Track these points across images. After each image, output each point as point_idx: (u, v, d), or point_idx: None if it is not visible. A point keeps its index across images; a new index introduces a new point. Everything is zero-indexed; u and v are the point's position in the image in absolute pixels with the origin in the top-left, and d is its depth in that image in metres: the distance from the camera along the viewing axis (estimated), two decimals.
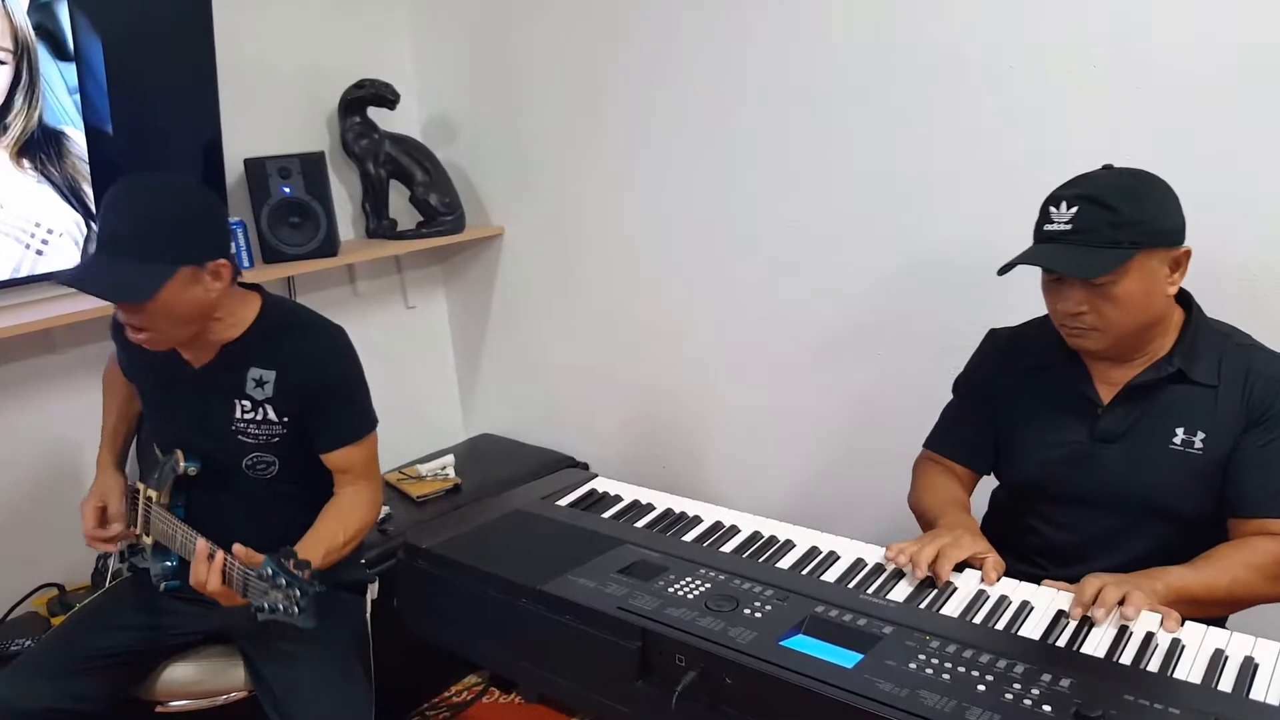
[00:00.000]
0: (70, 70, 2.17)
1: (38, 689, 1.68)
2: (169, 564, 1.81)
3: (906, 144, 2.12)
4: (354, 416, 1.81)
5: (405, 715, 2.55)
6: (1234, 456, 1.43)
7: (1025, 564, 1.56)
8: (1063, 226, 1.40)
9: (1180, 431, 1.46)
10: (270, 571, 1.46)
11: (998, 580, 1.40)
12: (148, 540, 1.85)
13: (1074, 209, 1.39)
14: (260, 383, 1.74)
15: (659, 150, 2.54)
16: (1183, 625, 1.26)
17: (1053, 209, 1.42)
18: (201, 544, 1.58)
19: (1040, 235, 1.45)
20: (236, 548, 1.54)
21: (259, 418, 1.75)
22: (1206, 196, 1.77)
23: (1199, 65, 1.74)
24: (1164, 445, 1.47)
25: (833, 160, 2.24)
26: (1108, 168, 1.46)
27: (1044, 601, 1.34)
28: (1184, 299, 1.51)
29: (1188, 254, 1.43)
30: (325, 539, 1.70)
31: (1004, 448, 1.64)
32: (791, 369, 2.44)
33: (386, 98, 2.74)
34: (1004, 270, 1.46)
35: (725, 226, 2.47)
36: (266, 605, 1.46)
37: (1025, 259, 1.44)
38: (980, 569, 1.43)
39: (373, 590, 1.96)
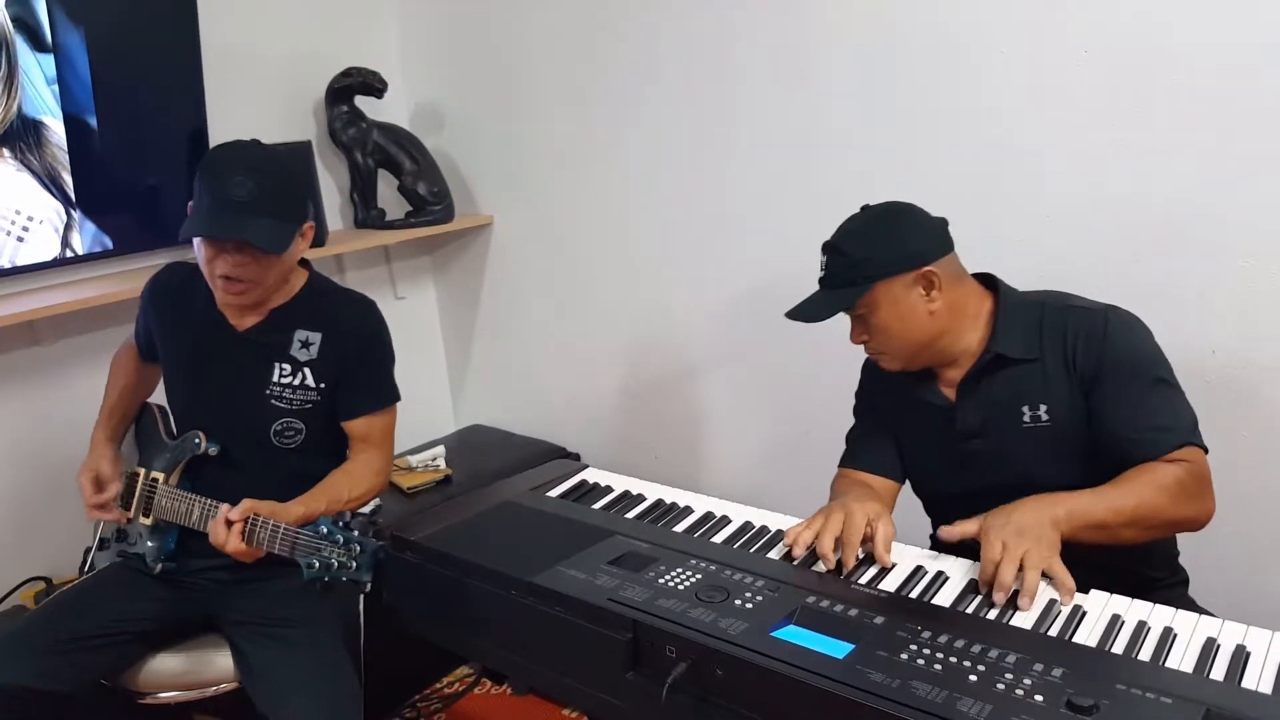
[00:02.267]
0: (48, 61, 2.18)
1: (15, 667, 1.67)
2: (167, 545, 1.84)
3: (898, 134, 2.11)
4: (383, 385, 1.90)
5: (397, 707, 2.55)
6: (1097, 423, 1.47)
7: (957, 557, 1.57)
8: (821, 273, 1.56)
9: (1025, 409, 1.52)
10: (326, 530, 1.54)
11: (888, 554, 1.41)
12: (145, 521, 1.85)
13: (825, 258, 1.56)
14: (306, 344, 1.83)
15: (649, 139, 2.52)
16: (1079, 594, 1.28)
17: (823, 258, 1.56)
18: (223, 507, 1.65)
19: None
20: (246, 505, 1.63)
21: (296, 382, 1.82)
22: (1198, 179, 1.77)
23: (1193, 51, 1.74)
24: (1017, 425, 1.52)
25: (823, 149, 2.23)
26: (865, 208, 1.57)
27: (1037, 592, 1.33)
28: (991, 284, 1.57)
29: (932, 273, 1.50)
30: (331, 489, 1.78)
31: (902, 460, 1.70)
32: (784, 359, 2.44)
33: (374, 86, 2.72)
34: (791, 316, 1.59)
35: (716, 215, 2.46)
36: (318, 562, 1.52)
37: (798, 313, 1.58)
38: (958, 549, 1.44)
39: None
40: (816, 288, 1.58)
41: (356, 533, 1.54)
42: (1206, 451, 1.45)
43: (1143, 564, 1.53)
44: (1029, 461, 1.52)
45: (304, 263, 1.90)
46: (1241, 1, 1.68)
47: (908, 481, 1.72)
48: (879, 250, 1.51)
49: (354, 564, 1.51)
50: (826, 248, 1.56)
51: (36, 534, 2.33)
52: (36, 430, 2.37)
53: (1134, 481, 1.40)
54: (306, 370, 1.83)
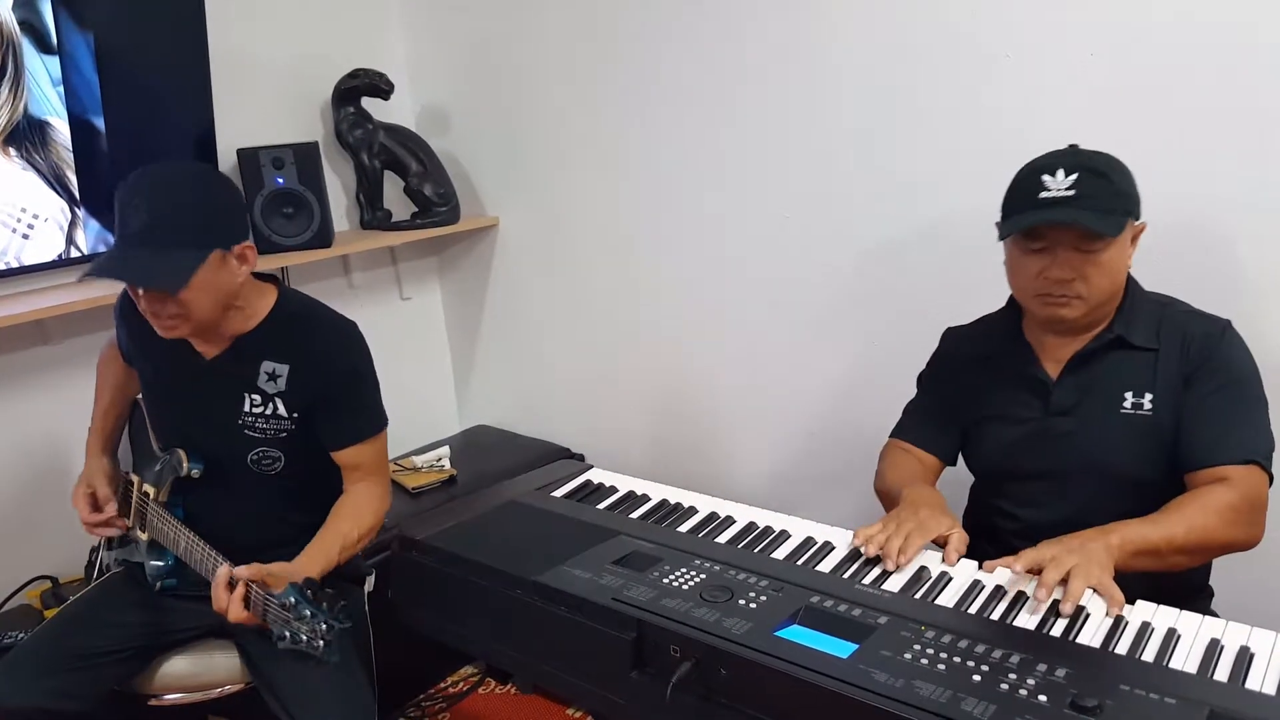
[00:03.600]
0: (54, 63, 2.20)
1: (29, 687, 1.65)
2: (165, 564, 1.80)
3: (900, 132, 2.11)
4: (366, 414, 1.79)
5: (402, 706, 2.55)
6: (1180, 416, 1.47)
7: (1004, 550, 1.56)
8: (1063, 192, 1.42)
9: (1129, 395, 1.50)
10: (293, 600, 1.44)
11: (958, 561, 1.42)
12: (142, 535, 1.83)
13: (1074, 175, 1.42)
14: (273, 376, 1.73)
15: (653, 140, 2.52)
16: (1130, 605, 1.27)
17: (1047, 177, 1.43)
18: (222, 572, 1.55)
19: (1034, 202, 1.44)
20: (251, 570, 1.53)
21: (268, 412, 1.74)
22: (1201, 181, 1.77)
23: (1196, 52, 1.74)
24: (1115, 410, 1.51)
25: (827, 149, 2.23)
26: (1074, 148, 1.49)
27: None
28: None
29: (1144, 228, 1.49)
30: (340, 535, 1.69)
31: (970, 439, 1.69)
32: (790, 358, 2.44)
33: (380, 88, 2.72)
34: (1006, 234, 1.48)
35: (721, 216, 2.46)
36: (289, 634, 1.44)
37: (1041, 218, 1.43)
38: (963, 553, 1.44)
39: (370, 582, 1.95)
40: (1009, 217, 1.49)
41: (325, 606, 1.43)
42: (1272, 481, 1.44)
43: (1178, 585, 1.50)
44: (1117, 448, 1.50)
45: (275, 280, 1.81)
46: (1248, 5, 1.68)
47: (962, 463, 1.72)
48: (1134, 188, 1.47)
49: (320, 643, 1.41)
50: (1076, 167, 1.42)
51: (42, 533, 2.33)
52: (43, 429, 2.37)
53: (1186, 508, 1.40)
54: (277, 401, 1.73)
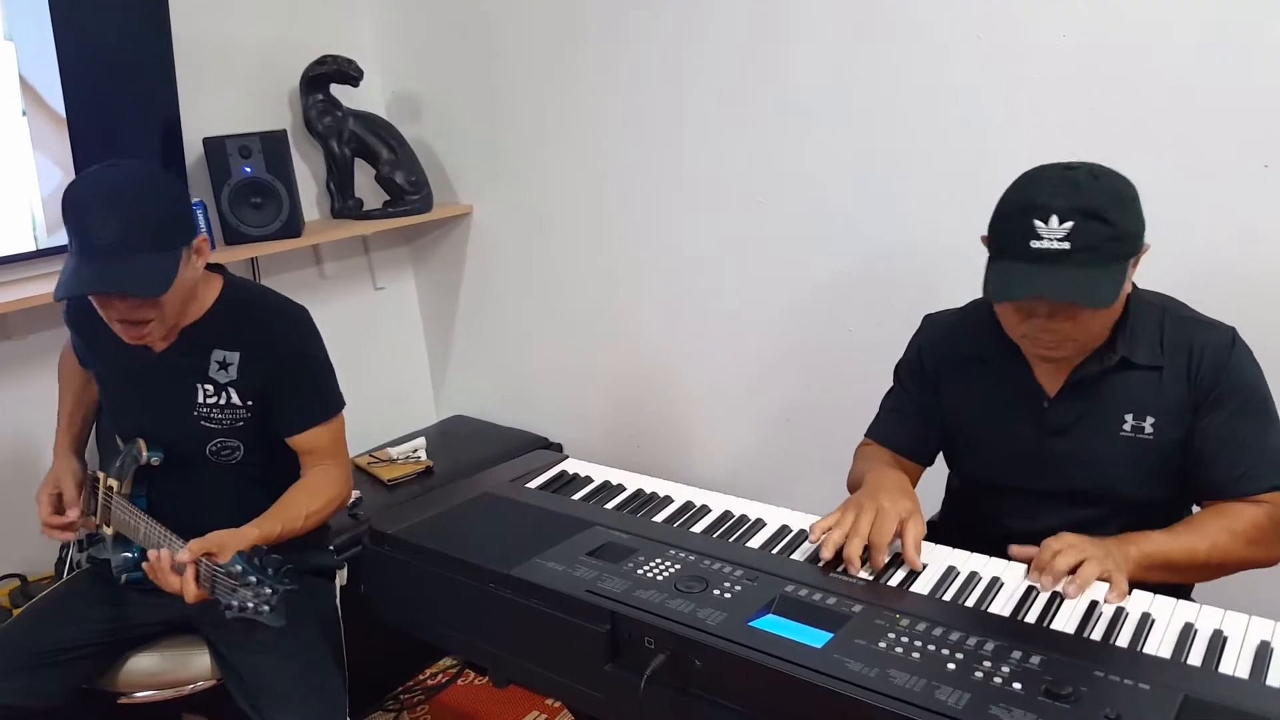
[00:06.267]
0: (9, 50, 2.14)
1: None
2: (130, 555, 1.77)
3: (878, 124, 2.10)
4: (320, 397, 1.79)
5: (381, 699, 2.54)
6: (1195, 442, 1.41)
7: (990, 551, 1.55)
8: (1056, 244, 1.28)
9: (1129, 418, 1.44)
10: (240, 569, 1.44)
11: (919, 559, 1.35)
12: (108, 531, 1.81)
13: (1068, 224, 1.28)
14: (224, 365, 1.72)
15: (630, 128, 2.50)
16: (1128, 596, 1.25)
17: (1039, 223, 1.29)
18: (164, 555, 1.54)
19: (1025, 253, 1.31)
20: (192, 548, 1.51)
21: (222, 402, 1.73)
22: (1176, 173, 1.77)
23: (1170, 37, 1.73)
24: (1114, 433, 1.45)
25: (804, 141, 2.22)
26: (1069, 167, 1.34)
27: (1013, 578, 1.33)
28: None
29: (1147, 250, 1.38)
30: (288, 507, 1.69)
31: (954, 439, 1.62)
32: (763, 347, 2.43)
33: (349, 74, 2.69)
34: (1000, 299, 1.36)
35: (696, 207, 2.45)
36: (235, 603, 1.44)
37: (1028, 288, 1.31)
38: (949, 540, 1.42)
39: (341, 576, 1.94)
40: (999, 259, 1.35)
41: (271, 572, 1.44)
42: None
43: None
44: (1115, 470, 1.45)
45: (219, 269, 1.80)
46: None
47: (940, 459, 1.66)
48: (1139, 221, 1.33)
49: (266, 607, 1.42)
50: (1072, 212, 1.28)
51: (10, 531, 2.30)
52: (7, 425, 2.34)
53: (1208, 524, 1.37)
54: (230, 390, 1.72)
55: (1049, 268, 1.29)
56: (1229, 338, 1.42)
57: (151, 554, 1.56)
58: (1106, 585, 1.27)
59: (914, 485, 1.57)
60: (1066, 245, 1.28)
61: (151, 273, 1.56)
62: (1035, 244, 1.30)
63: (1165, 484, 1.45)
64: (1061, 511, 1.49)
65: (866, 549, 1.36)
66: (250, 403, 1.73)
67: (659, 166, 2.48)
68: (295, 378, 1.75)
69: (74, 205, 1.55)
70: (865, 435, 1.71)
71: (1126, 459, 1.44)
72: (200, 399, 1.72)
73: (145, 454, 1.73)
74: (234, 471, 1.78)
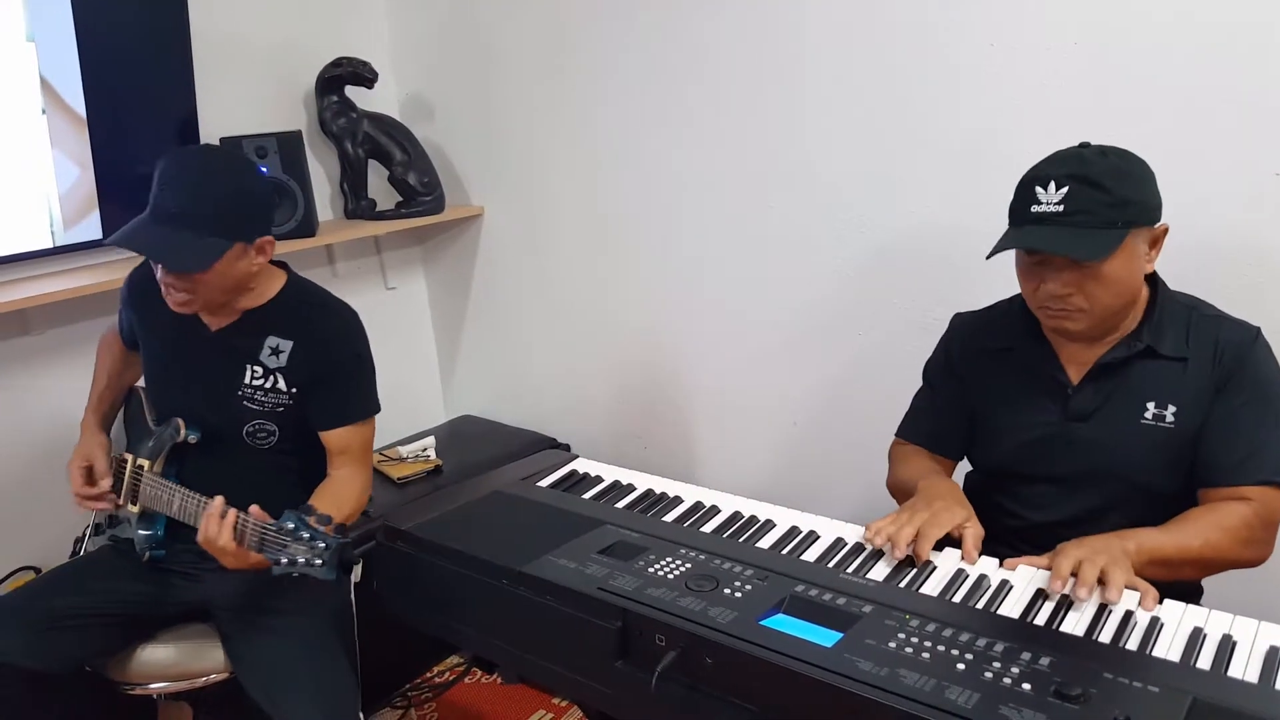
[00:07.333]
0: (30, 51, 2.16)
1: (8, 643, 1.65)
2: (155, 533, 1.82)
3: (884, 125, 2.11)
4: (359, 396, 1.85)
5: (388, 696, 2.55)
6: (1204, 424, 1.44)
7: (1004, 547, 1.55)
8: (1053, 207, 1.37)
9: (1151, 406, 1.47)
10: (291, 525, 1.50)
11: (979, 557, 1.39)
12: (133, 509, 1.84)
13: (1064, 189, 1.36)
14: (276, 351, 1.79)
15: (639, 131, 2.52)
16: (1161, 603, 1.26)
17: (1039, 189, 1.39)
18: (217, 501, 1.60)
19: (1027, 216, 1.41)
20: (253, 508, 1.57)
21: (268, 385, 1.79)
22: (1185, 173, 1.77)
23: (1178, 40, 1.74)
24: (1136, 421, 1.48)
25: (811, 141, 2.23)
26: (1085, 145, 1.43)
27: (1023, 580, 1.34)
28: (1149, 274, 1.51)
29: (1165, 231, 1.44)
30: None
31: (979, 434, 1.65)
32: (771, 349, 2.44)
33: (364, 76, 2.70)
34: (993, 254, 1.43)
35: (705, 207, 2.45)
36: (284, 559, 1.50)
37: (1019, 242, 1.41)
38: (960, 542, 1.42)
39: (356, 572, 1.95)
40: (1002, 227, 1.44)
41: (324, 528, 1.51)
42: None
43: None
44: (1132, 458, 1.47)
45: (283, 265, 1.87)
46: None
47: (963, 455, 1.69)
48: (1142, 193, 1.39)
49: (319, 560, 1.48)
50: (1068, 179, 1.37)
51: (26, 524, 2.32)
52: (26, 420, 2.36)
53: (1201, 521, 1.39)
54: (278, 375, 1.79)
55: (1044, 227, 1.39)
56: (1253, 335, 1.46)
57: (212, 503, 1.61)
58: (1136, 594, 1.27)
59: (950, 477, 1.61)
60: (1060, 208, 1.37)
61: (192, 251, 1.62)
62: (1035, 208, 1.40)
63: (1179, 476, 1.47)
64: (1076, 499, 1.52)
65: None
66: (294, 390, 1.79)
67: (669, 169, 2.49)
68: (341, 374, 1.81)
69: (164, 164, 1.65)
70: (896, 435, 1.75)
71: (1146, 447, 1.47)
72: (247, 379, 1.78)
73: (184, 431, 1.79)
74: (265, 456, 1.82)
